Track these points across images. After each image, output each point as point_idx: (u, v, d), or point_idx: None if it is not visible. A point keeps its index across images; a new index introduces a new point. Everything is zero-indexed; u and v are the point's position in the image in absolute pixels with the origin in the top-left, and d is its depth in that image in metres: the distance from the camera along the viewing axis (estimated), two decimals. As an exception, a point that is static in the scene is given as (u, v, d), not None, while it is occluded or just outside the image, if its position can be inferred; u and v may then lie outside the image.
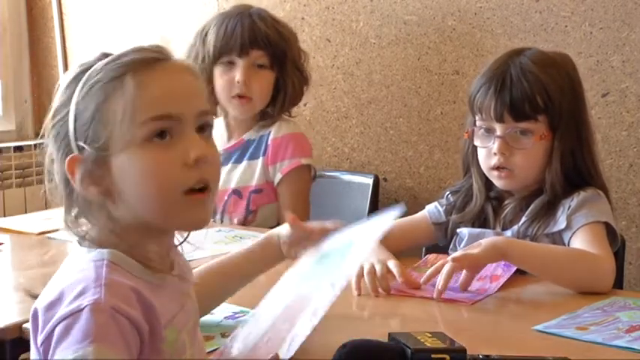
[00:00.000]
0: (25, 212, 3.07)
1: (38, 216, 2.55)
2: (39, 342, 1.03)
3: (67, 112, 1.09)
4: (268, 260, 1.48)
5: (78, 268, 1.06)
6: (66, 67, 3.53)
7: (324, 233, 1.37)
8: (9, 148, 3.36)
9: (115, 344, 0.97)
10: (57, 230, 2.28)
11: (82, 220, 1.11)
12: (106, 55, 1.11)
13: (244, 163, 2.54)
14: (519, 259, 1.73)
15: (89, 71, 1.10)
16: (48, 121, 1.12)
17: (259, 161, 2.53)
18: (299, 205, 2.48)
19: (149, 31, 3.33)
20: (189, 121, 1.09)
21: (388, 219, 1.24)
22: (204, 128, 1.12)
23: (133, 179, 1.07)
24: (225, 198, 2.51)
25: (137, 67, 1.08)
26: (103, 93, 1.07)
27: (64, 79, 1.12)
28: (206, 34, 2.51)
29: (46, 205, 3.33)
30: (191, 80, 1.13)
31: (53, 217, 2.46)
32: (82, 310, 0.98)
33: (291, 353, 1.10)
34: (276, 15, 2.62)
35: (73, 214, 1.11)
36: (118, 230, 1.10)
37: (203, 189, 1.10)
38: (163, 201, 1.08)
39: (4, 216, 2.95)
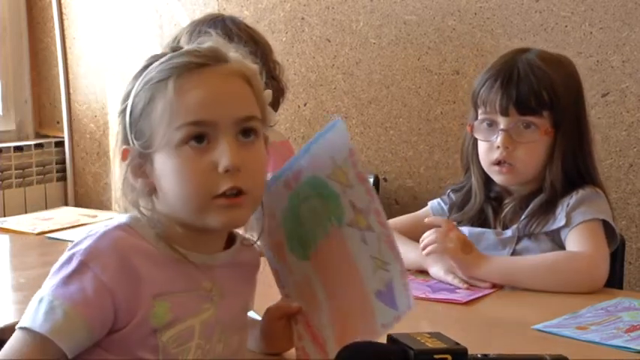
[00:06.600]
0: (25, 212, 3.06)
1: (38, 216, 2.55)
2: None
3: (127, 105, 1.15)
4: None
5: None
6: (66, 67, 3.53)
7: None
8: (9, 148, 3.36)
9: (73, 294, 1.07)
10: (57, 230, 2.28)
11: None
12: (173, 50, 1.16)
13: None
14: (501, 279, 1.77)
15: (149, 67, 1.15)
16: (118, 110, 1.18)
17: None
18: None
19: (149, 31, 3.33)
20: (226, 127, 1.12)
21: (339, 134, 1.16)
22: (248, 133, 1.14)
23: (169, 179, 1.13)
24: None
25: (181, 71, 1.13)
26: (150, 92, 1.13)
27: (135, 69, 1.18)
28: (178, 42, 2.46)
29: (46, 206, 3.35)
30: (233, 86, 1.15)
31: (53, 217, 2.46)
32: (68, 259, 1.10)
33: None
34: (276, 15, 2.61)
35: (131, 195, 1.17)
36: (162, 220, 1.15)
37: (238, 194, 1.12)
38: (194, 203, 1.12)
39: (4, 216, 2.95)
